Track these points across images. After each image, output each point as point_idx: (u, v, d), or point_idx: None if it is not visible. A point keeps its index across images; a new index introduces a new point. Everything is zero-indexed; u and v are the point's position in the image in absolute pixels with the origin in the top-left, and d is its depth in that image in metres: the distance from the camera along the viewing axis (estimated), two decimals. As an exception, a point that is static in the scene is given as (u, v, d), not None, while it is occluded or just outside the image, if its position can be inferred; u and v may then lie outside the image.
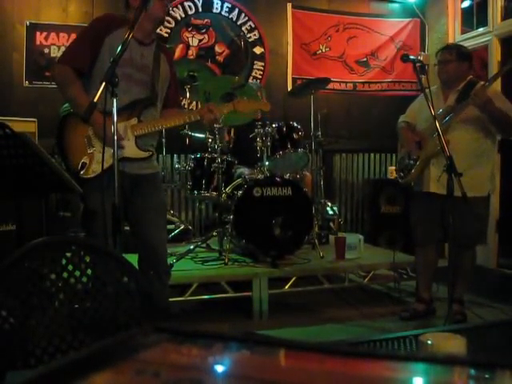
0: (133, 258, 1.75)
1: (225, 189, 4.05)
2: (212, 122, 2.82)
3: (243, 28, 5.49)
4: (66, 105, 4.05)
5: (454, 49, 3.49)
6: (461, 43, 4.79)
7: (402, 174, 3.56)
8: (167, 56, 2.76)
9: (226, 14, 5.43)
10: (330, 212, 5.06)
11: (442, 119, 3.23)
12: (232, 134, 4.65)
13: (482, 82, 3.31)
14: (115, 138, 2.15)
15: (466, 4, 5.52)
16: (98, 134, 2.45)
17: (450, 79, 3.42)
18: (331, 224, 4.95)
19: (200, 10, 5.33)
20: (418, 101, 3.60)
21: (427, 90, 2.85)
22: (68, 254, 1.31)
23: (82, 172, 2.48)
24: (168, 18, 5.16)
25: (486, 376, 0.57)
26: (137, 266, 2.56)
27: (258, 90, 4.49)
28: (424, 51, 5.94)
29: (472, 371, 0.59)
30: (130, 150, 2.55)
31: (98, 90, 2.01)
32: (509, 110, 3.22)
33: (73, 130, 2.51)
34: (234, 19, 5.45)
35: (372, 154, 5.99)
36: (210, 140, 4.18)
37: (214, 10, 5.39)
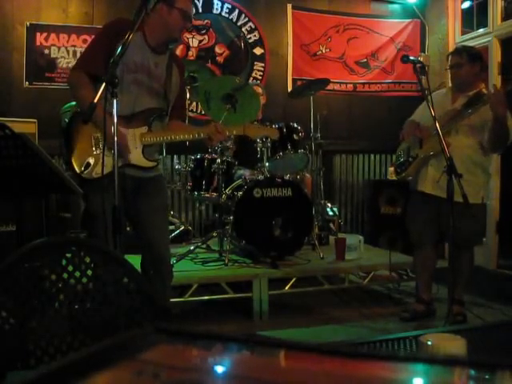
0: (134, 259, 1.75)
1: (225, 189, 4.05)
2: (218, 142, 2.82)
3: (243, 29, 5.49)
4: (67, 106, 4.08)
5: (464, 51, 3.44)
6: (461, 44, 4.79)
7: (399, 170, 3.57)
8: (179, 68, 2.73)
9: (226, 15, 5.43)
10: (330, 213, 5.06)
11: (446, 120, 3.22)
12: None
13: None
14: (115, 138, 2.15)
15: (466, 5, 5.52)
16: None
17: (464, 83, 3.38)
18: (331, 225, 4.95)
19: (200, 10, 5.34)
20: (424, 102, 3.59)
21: (427, 92, 2.84)
22: (68, 255, 1.31)
23: (85, 172, 2.47)
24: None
25: (486, 377, 0.57)
26: (139, 267, 2.57)
27: (258, 86, 4.53)
28: (424, 52, 5.94)
29: (472, 372, 0.59)
30: (136, 157, 2.55)
31: (99, 91, 2.01)
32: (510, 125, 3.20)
33: (81, 130, 2.49)
34: (234, 20, 5.46)
35: (372, 155, 5.99)
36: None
37: (214, 11, 5.39)
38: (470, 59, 3.38)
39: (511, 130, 3.17)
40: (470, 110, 3.24)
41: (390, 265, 3.82)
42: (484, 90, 3.39)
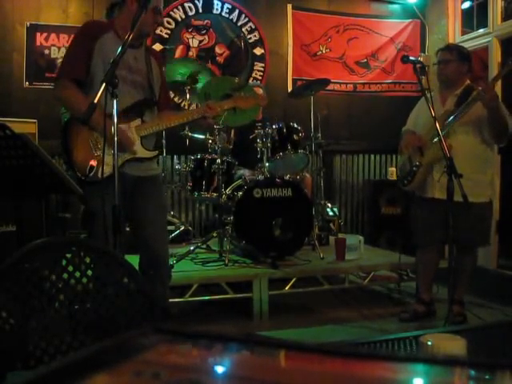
0: (134, 259, 1.75)
1: (225, 190, 4.05)
2: (213, 119, 2.84)
3: (243, 29, 5.49)
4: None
5: (454, 49, 3.46)
6: (461, 44, 4.78)
7: (405, 182, 3.52)
8: (157, 59, 2.79)
9: (227, 15, 5.43)
10: (330, 213, 5.06)
11: (441, 123, 3.21)
12: (232, 135, 4.65)
13: (480, 87, 3.30)
14: (115, 139, 2.15)
15: (466, 5, 5.52)
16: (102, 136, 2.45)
17: (450, 80, 3.40)
18: (331, 225, 4.95)
19: (200, 10, 5.34)
20: (416, 107, 3.60)
21: (427, 92, 2.84)
22: (68, 255, 1.31)
23: (90, 175, 2.47)
24: (168, 19, 5.17)
25: (486, 377, 0.57)
26: (138, 267, 2.57)
27: (258, 87, 4.54)
28: (424, 52, 5.94)
29: (472, 372, 0.59)
30: (138, 150, 2.57)
31: (98, 92, 2.02)
32: (505, 114, 3.21)
33: (78, 134, 2.49)
34: (235, 20, 5.46)
35: (372, 155, 5.99)
36: (210, 141, 4.19)
37: (215, 11, 5.39)
38: (460, 57, 3.38)
39: (508, 118, 3.18)
40: (462, 108, 3.24)
41: (395, 265, 3.82)
42: (471, 84, 3.40)
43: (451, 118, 3.25)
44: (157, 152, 2.69)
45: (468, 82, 3.43)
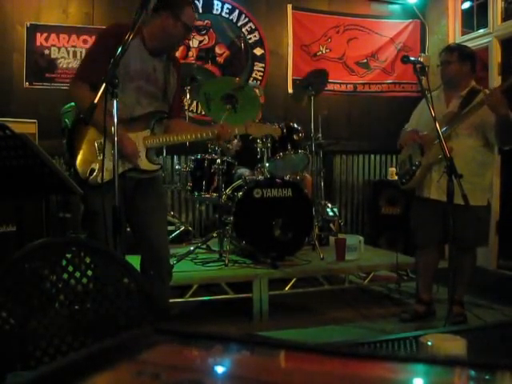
0: (134, 259, 1.75)
1: (225, 190, 4.05)
2: (226, 140, 2.83)
3: (243, 29, 5.49)
4: (67, 106, 4.08)
5: (455, 49, 3.44)
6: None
7: (403, 181, 3.52)
8: (176, 67, 2.74)
9: (227, 16, 5.43)
10: (330, 213, 5.06)
11: (443, 124, 3.20)
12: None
13: (487, 90, 3.29)
14: (115, 138, 2.15)
15: (466, 5, 5.52)
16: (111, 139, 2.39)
17: (452, 80, 3.39)
18: (331, 225, 4.94)
19: (200, 11, 5.33)
20: (420, 106, 3.59)
21: (427, 92, 2.83)
22: (68, 255, 1.31)
23: (90, 178, 2.46)
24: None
25: (486, 377, 0.57)
26: (139, 267, 2.57)
27: (255, 88, 4.53)
28: (424, 52, 5.94)
29: (472, 372, 0.59)
30: (143, 162, 2.56)
31: (99, 92, 2.01)
32: None
33: (84, 136, 2.49)
34: (235, 20, 5.46)
35: (372, 156, 5.99)
36: (210, 141, 4.18)
37: (215, 12, 5.39)
38: (460, 58, 3.35)
39: None
40: (466, 110, 3.22)
41: (395, 265, 3.83)
42: (477, 86, 3.38)
43: (449, 125, 3.23)
44: (159, 166, 2.66)
45: (473, 83, 3.40)
